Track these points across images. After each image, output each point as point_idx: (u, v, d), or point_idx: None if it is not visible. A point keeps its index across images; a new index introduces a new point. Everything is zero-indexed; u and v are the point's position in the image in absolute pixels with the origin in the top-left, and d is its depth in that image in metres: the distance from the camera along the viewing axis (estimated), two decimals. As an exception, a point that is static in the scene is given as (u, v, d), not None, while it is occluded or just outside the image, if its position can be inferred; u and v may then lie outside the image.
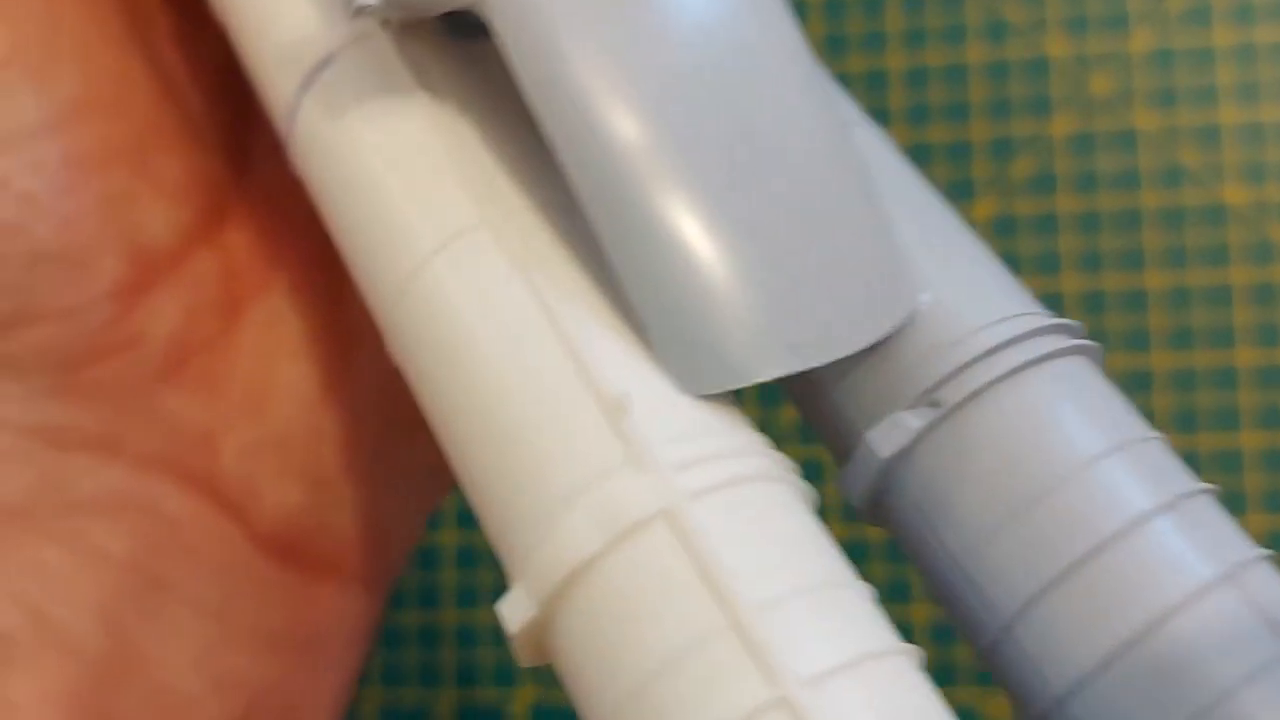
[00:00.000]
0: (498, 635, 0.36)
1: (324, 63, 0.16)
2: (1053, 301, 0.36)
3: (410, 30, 0.16)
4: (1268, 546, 0.18)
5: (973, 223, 0.37)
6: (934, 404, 0.17)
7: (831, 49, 0.38)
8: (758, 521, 0.14)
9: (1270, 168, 0.36)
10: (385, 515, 0.20)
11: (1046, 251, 0.37)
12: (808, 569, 0.14)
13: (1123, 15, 0.37)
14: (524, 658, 0.15)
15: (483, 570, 0.37)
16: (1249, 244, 0.36)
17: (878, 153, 0.18)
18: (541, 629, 0.14)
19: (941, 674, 0.35)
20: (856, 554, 0.36)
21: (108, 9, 0.18)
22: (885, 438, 0.16)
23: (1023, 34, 0.37)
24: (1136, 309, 0.36)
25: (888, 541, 0.36)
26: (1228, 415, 0.36)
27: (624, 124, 0.14)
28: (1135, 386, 0.36)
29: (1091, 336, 0.36)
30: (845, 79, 0.36)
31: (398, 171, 0.15)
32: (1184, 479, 0.17)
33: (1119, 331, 0.36)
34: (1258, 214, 0.36)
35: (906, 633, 0.34)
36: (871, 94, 0.38)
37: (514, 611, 0.14)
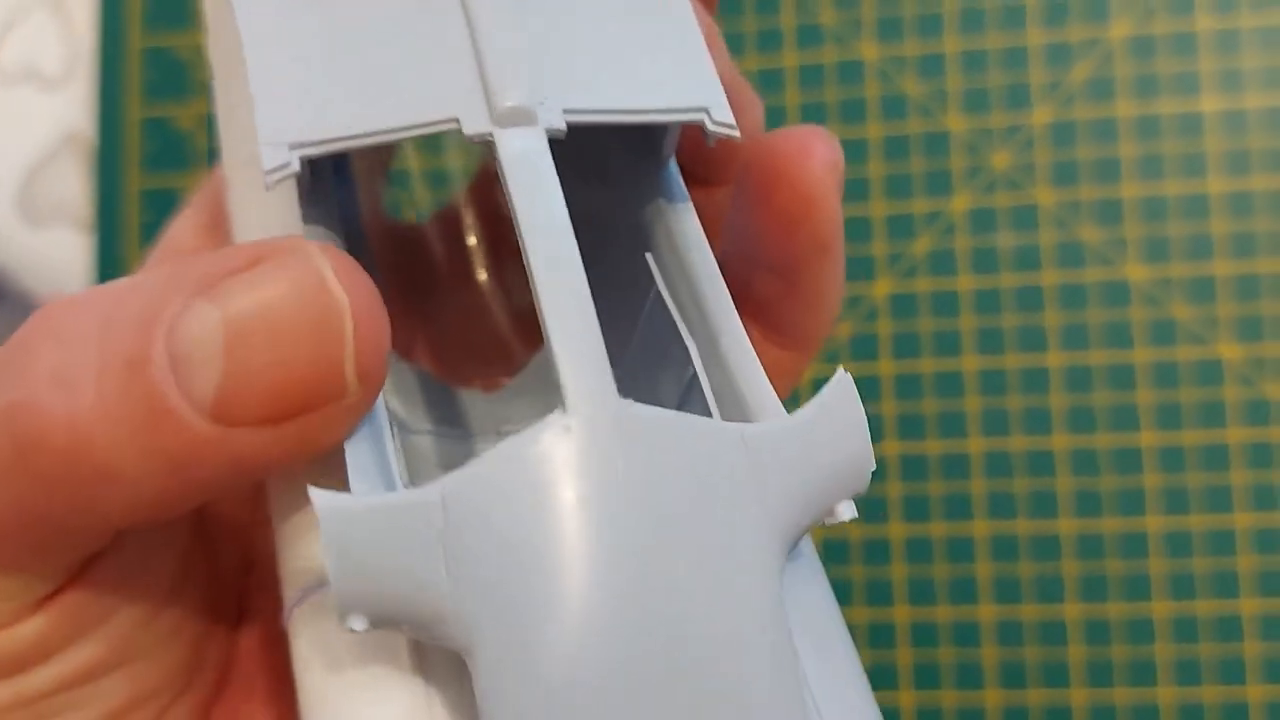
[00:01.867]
0: None
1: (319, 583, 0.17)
2: (952, 381, 0.36)
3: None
4: None
5: (873, 299, 0.36)
6: None
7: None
8: None
9: (1174, 243, 0.35)
10: None
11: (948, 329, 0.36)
12: None
13: (1024, 90, 0.36)
14: None
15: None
16: (1151, 322, 0.35)
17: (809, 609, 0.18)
18: None
19: (924, 675, 0.35)
20: (836, 553, 0.36)
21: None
22: None
23: (922, 109, 0.37)
24: (1038, 389, 0.35)
25: (866, 542, 0.35)
26: (1131, 498, 0.35)
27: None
28: (1039, 467, 0.35)
29: (992, 416, 0.35)
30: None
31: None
32: None
33: (1019, 411, 0.35)
34: (1160, 291, 0.35)
35: (888, 635, 0.34)
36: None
37: None
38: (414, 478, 0.20)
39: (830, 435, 0.16)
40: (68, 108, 0.41)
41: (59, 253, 0.40)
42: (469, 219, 0.25)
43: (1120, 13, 0.36)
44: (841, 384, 0.17)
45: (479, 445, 0.22)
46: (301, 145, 0.16)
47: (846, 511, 0.16)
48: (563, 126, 0.16)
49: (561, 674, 0.14)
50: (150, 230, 0.39)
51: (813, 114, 0.37)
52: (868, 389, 0.36)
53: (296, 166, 0.16)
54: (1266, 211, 0.35)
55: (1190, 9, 0.36)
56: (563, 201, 0.16)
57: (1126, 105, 0.36)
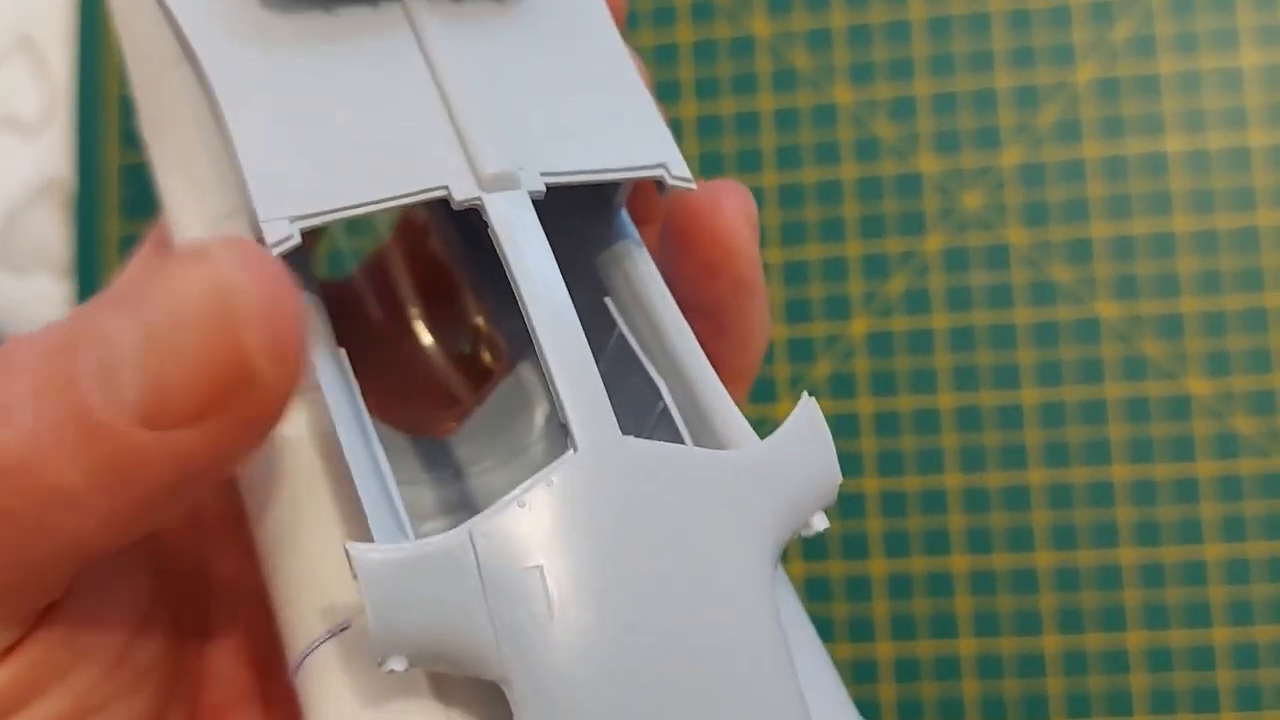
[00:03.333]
0: None
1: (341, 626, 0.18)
2: (929, 417, 0.36)
3: None
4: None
5: (850, 338, 0.37)
6: None
7: (706, 167, 0.38)
8: None
9: (1143, 281, 0.36)
10: None
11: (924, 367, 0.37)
12: None
13: (994, 132, 0.37)
14: None
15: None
16: (1121, 358, 0.36)
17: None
18: None
19: (907, 710, 0.35)
20: (819, 590, 0.36)
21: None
22: None
23: (895, 151, 0.37)
24: (1012, 425, 0.36)
25: (848, 578, 0.36)
26: (1105, 531, 0.35)
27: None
28: (1015, 502, 0.36)
29: (969, 453, 0.36)
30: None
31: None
32: None
33: (996, 447, 0.36)
34: (1130, 328, 0.36)
35: (870, 672, 0.34)
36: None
37: None
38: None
39: (802, 455, 0.17)
40: (46, 154, 0.41)
41: (38, 299, 0.40)
42: (397, 270, 0.26)
43: (1085, 56, 0.37)
44: (807, 408, 0.18)
45: (453, 490, 0.23)
46: (301, 218, 0.17)
47: (820, 522, 0.18)
48: (542, 189, 0.18)
49: (591, 694, 0.15)
50: (130, 276, 0.39)
51: (788, 157, 0.38)
52: (846, 427, 0.37)
53: (299, 239, 0.16)
54: (1231, 249, 0.36)
55: (1153, 52, 0.37)
56: (552, 257, 0.17)
57: (1093, 146, 0.37)
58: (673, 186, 0.19)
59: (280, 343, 0.16)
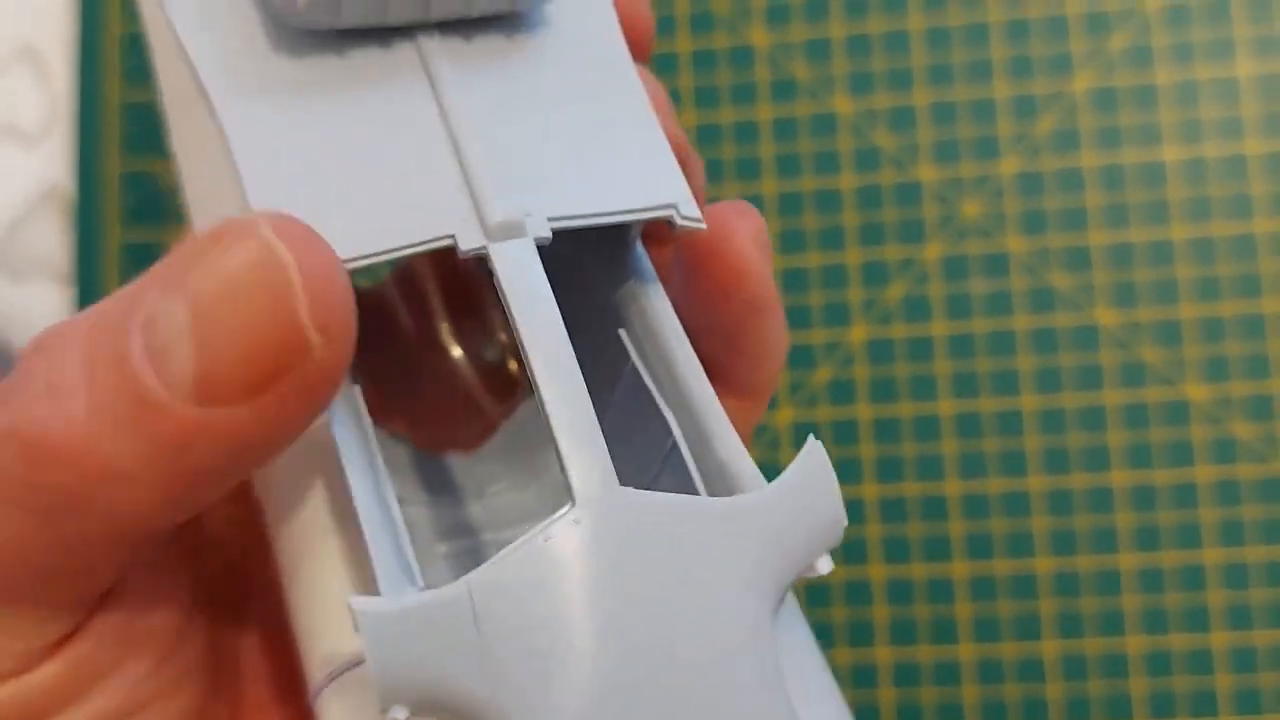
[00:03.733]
0: None
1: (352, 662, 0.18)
2: (929, 424, 0.36)
3: None
4: None
5: (849, 345, 0.37)
6: None
7: (710, 176, 0.38)
8: None
9: (1141, 288, 0.36)
10: None
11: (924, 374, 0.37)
12: None
13: (993, 141, 0.37)
14: None
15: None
16: (1120, 365, 0.36)
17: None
18: None
19: (907, 715, 0.35)
20: (818, 596, 0.36)
21: None
22: None
23: (894, 160, 0.38)
24: (1012, 431, 0.36)
25: (847, 584, 0.36)
26: (1104, 536, 0.36)
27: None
28: (1014, 508, 0.36)
29: (969, 459, 0.36)
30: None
31: None
32: None
33: (995, 454, 0.36)
34: (1129, 334, 0.36)
35: (870, 678, 0.34)
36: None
37: None
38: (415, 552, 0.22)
39: (807, 499, 0.18)
40: (47, 163, 0.41)
41: (40, 307, 0.40)
42: (427, 280, 0.26)
43: (1083, 66, 0.37)
44: (814, 452, 0.18)
45: (468, 510, 0.23)
46: None
47: (824, 565, 0.18)
48: (549, 235, 0.18)
49: None
50: (131, 284, 0.39)
51: (788, 166, 0.38)
52: (846, 434, 0.37)
53: None
54: (1228, 256, 0.36)
55: (1150, 62, 0.37)
56: (556, 308, 0.18)
57: (1091, 156, 0.37)
58: (682, 227, 0.19)
59: (330, 315, 0.16)
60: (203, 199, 0.20)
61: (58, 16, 0.42)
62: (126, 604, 0.18)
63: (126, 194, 0.40)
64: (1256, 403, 0.36)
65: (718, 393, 0.22)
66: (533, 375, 0.17)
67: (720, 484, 0.19)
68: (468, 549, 0.16)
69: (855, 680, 0.36)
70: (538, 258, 0.18)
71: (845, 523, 0.18)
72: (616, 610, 0.16)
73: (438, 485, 0.23)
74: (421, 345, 0.26)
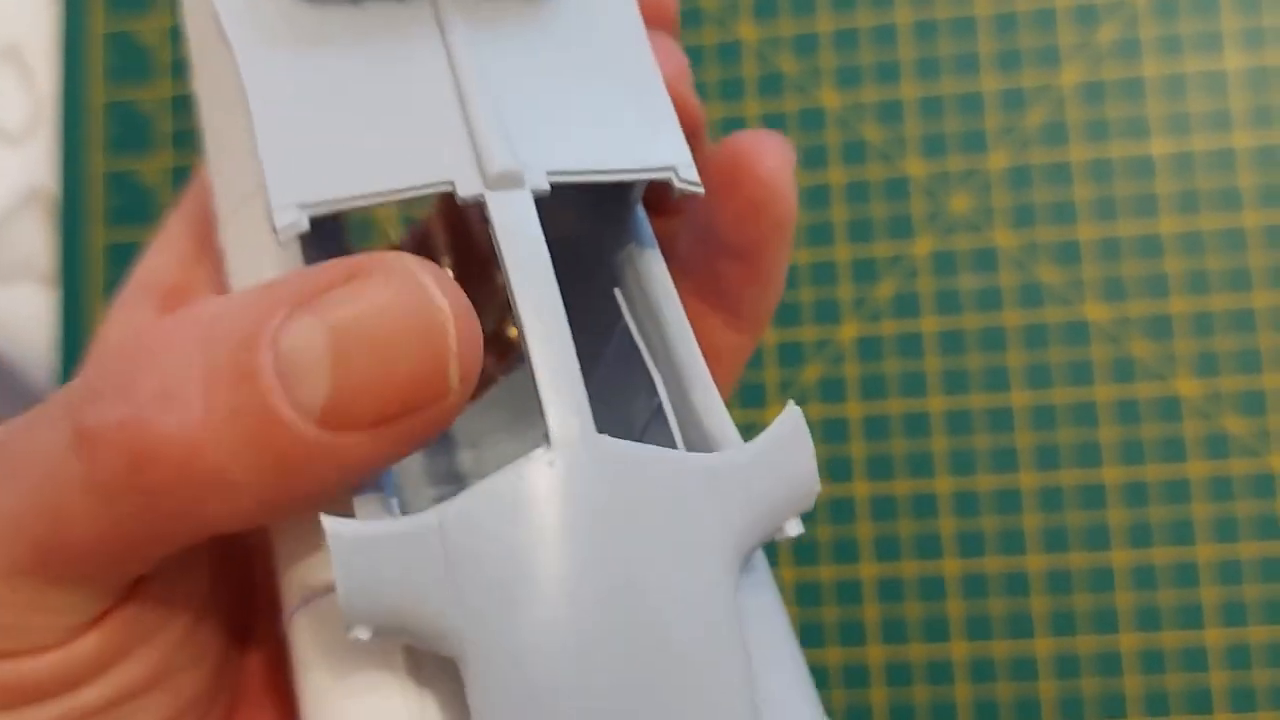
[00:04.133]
0: None
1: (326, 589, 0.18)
2: (919, 421, 0.36)
3: None
4: None
5: (839, 342, 0.37)
6: None
7: (694, 173, 0.38)
8: None
9: (1130, 282, 0.36)
10: None
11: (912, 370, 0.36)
12: None
13: (980, 135, 0.37)
14: None
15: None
16: (1111, 360, 0.36)
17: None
18: None
19: (899, 714, 0.35)
20: (809, 594, 0.36)
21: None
22: None
23: (882, 155, 0.37)
24: (1003, 428, 0.36)
25: (838, 582, 0.36)
26: (1097, 532, 0.35)
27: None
28: (1006, 505, 0.36)
29: (959, 456, 0.36)
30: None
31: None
32: None
33: (986, 450, 0.36)
34: (1119, 329, 0.36)
35: (862, 677, 0.34)
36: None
37: None
38: (402, 491, 0.23)
39: (782, 462, 0.18)
40: (30, 164, 0.41)
41: (23, 308, 0.40)
42: (438, 242, 0.26)
43: (1071, 59, 0.37)
44: (791, 415, 0.18)
45: (460, 458, 0.24)
46: (310, 205, 0.17)
47: (794, 528, 0.18)
48: (547, 187, 0.18)
49: (542, 678, 0.16)
50: (114, 285, 0.39)
51: (775, 161, 0.38)
52: (836, 431, 0.36)
53: (305, 225, 0.17)
54: (1217, 249, 0.36)
55: (1138, 55, 0.37)
56: (548, 258, 0.18)
57: (1079, 149, 0.37)
58: (681, 190, 0.19)
59: (472, 364, 0.16)
60: (218, 139, 0.21)
61: (41, 16, 0.42)
62: (159, 585, 0.18)
63: (110, 194, 0.40)
64: (1248, 398, 0.35)
65: (725, 324, 0.23)
66: (520, 322, 0.17)
67: (701, 446, 0.19)
68: (455, 494, 0.16)
69: (847, 680, 0.36)
70: (534, 208, 0.18)
71: (818, 487, 0.18)
72: (582, 551, 0.16)
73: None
74: None
